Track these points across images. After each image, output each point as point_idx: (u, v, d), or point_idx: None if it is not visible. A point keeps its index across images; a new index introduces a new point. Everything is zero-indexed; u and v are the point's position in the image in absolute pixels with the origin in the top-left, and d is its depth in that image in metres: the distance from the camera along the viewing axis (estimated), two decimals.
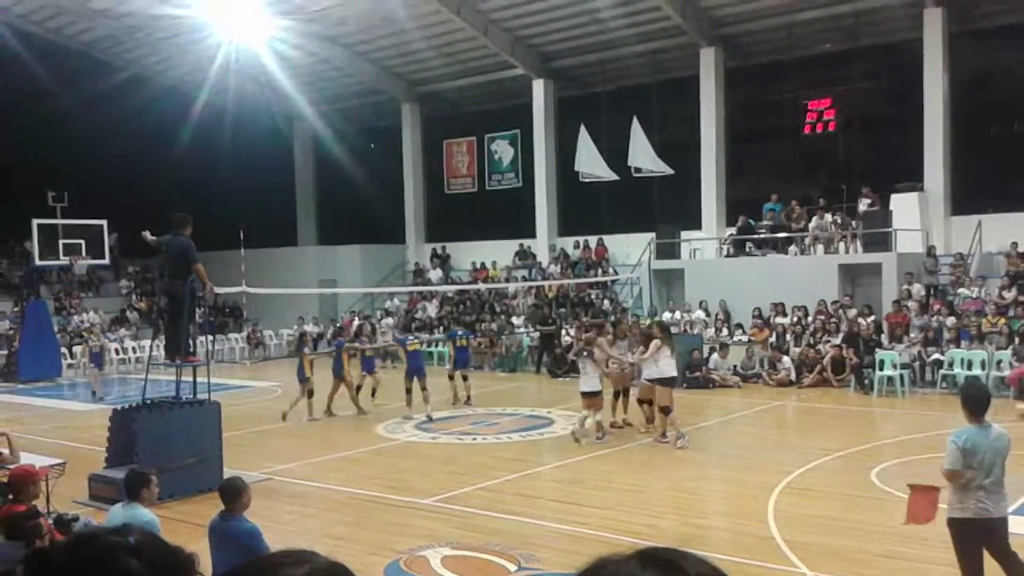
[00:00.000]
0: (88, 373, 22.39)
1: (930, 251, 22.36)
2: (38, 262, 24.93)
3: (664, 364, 13.72)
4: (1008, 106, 23.04)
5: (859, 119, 25.19)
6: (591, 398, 13.97)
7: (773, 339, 21.46)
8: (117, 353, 27.97)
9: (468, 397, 18.62)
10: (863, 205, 23.24)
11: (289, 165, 37.29)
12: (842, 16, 24.16)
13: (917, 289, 21.33)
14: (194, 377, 12.14)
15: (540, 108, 29.67)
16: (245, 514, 6.40)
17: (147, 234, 12.23)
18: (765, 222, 24.91)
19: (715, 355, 21.03)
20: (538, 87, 29.59)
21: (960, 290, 21.16)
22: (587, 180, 25.56)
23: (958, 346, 19.16)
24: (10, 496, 6.94)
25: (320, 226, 37.53)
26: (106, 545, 1.38)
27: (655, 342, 13.78)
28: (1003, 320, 19.47)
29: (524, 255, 29.93)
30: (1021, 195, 22.37)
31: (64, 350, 26.62)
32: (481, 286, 28.92)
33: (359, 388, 17.88)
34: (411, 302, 30.31)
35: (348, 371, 17.62)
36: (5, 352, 26.43)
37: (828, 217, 23.63)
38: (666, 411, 13.68)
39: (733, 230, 25.36)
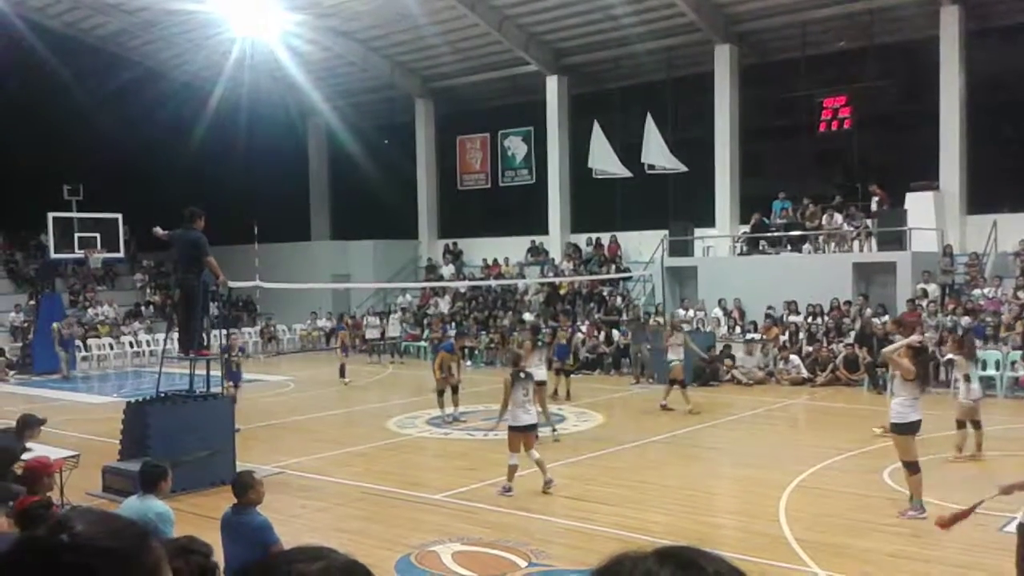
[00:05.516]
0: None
1: (946, 250, 22.25)
2: (53, 255, 25.09)
3: (908, 405, 9.59)
4: None
5: (874, 117, 25.01)
6: None
7: (785, 337, 21.43)
8: (132, 347, 28.11)
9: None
10: (875, 203, 23.16)
11: (303, 160, 37.36)
12: (857, 14, 24.02)
13: (933, 288, 21.22)
14: (207, 371, 12.20)
15: (554, 105, 29.62)
16: (257, 508, 6.44)
17: (158, 229, 12.29)
18: (778, 220, 24.84)
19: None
20: (552, 83, 29.54)
21: (975, 291, 21.04)
22: (600, 177, 25.49)
23: None
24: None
25: (333, 221, 37.60)
26: (42, 548, 1.36)
27: (909, 368, 9.60)
28: (1017, 320, 19.31)
29: (537, 251, 29.90)
30: None
31: (78, 343, 26.76)
32: (493, 282, 28.92)
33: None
34: (423, 298, 30.35)
35: (435, 370, 16.30)
36: (20, 344, 26.61)
37: (839, 218, 23.55)
38: (912, 468, 9.61)
39: (747, 228, 25.30)
